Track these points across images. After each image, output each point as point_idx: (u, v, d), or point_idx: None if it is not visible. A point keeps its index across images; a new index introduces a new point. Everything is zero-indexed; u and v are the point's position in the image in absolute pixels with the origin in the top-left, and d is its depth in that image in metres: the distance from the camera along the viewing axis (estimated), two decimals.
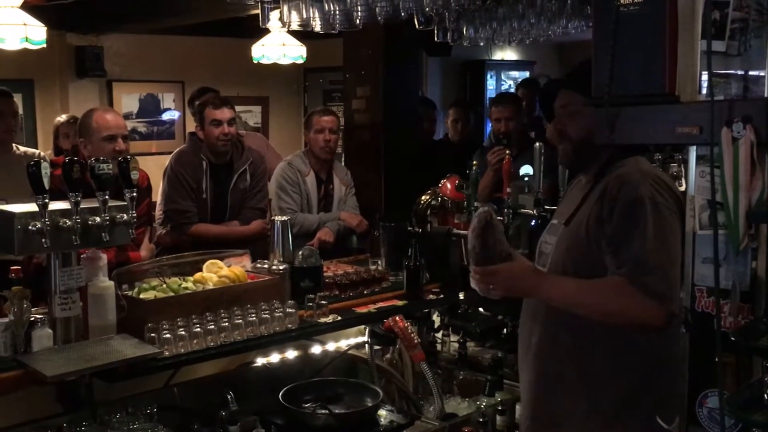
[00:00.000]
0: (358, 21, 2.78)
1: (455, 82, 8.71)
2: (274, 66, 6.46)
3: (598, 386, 2.36)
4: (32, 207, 2.59)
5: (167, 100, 8.48)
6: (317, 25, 2.93)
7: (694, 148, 1.84)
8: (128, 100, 8.16)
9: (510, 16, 3.09)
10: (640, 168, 2.34)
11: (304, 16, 2.88)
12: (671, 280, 2.19)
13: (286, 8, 2.90)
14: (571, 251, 2.38)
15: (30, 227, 2.55)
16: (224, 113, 4.56)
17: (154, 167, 5.03)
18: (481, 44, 3.54)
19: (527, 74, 9.17)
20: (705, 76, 1.66)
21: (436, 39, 3.31)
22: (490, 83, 8.91)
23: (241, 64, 7.22)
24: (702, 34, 1.65)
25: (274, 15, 3.01)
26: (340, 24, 2.84)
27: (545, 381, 2.47)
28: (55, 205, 2.62)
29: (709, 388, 1.87)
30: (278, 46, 6.24)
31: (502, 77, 9.14)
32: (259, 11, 3.45)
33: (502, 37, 3.28)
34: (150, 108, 8.37)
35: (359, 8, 2.63)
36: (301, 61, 6.57)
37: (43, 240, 2.55)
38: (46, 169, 2.51)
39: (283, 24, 3.10)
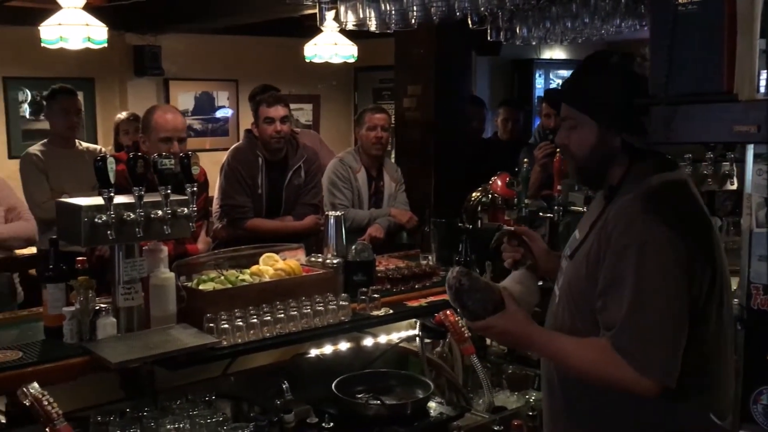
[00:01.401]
0: (413, 21, 2.79)
1: (504, 81, 8.68)
2: (326, 64, 6.52)
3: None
4: (98, 200, 2.65)
5: (221, 98, 8.59)
6: (373, 25, 2.95)
7: (751, 146, 1.81)
8: (184, 98, 8.28)
9: (563, 16, 3.07)
10: (649, 198, 1.97)
11: (361, 16, 2.90)
12: (665, 347, 1.90)
13: (342, 8, 2.93)
14: (572, 287, 2.12)
15: (96, 220, 2.60)
16: (277, 111, 4.60)
17: (208, 163, 5.09)
18: (534, 43, 3.53)
19: None
20: (764, 75, 1.64)
21: (489, 38, 3.30)
22: (539, 82, 8.86)
23: (293, 62, 7.29)
24: (761, 33, 1.63)
25: (330, 15, 3.03)
26: (395, 24, 2.85)
27: None
28: (119, 199, 2.68)
29: (764, 385, 1.84)
30: (330, 46, 6.30)
31: (551, 76, 9.07)
32: (313, 11, 3.49)
33: (555, 37, 3.26)
34: (205, 106, 8.49)
35: (415, 8, 2.64)
36: (352, 60, 6.63)
37: (109, 232, 2.61)
38: (112, 164, 2.57)
39: (340, 24, 3.12)
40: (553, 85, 8.93)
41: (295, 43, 6.75)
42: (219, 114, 8.62)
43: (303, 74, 7.87)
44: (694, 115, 1.67)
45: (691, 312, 1.93)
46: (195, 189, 2.79)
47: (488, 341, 3.66)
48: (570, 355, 2.05)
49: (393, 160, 5.69)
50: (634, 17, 3.23)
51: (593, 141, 2.08)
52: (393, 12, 2.73)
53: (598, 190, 2.25)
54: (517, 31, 3.25)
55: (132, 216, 2.65)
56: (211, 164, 5.18)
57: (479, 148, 6.07)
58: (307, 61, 6.47)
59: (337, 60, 6.51)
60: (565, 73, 9.13)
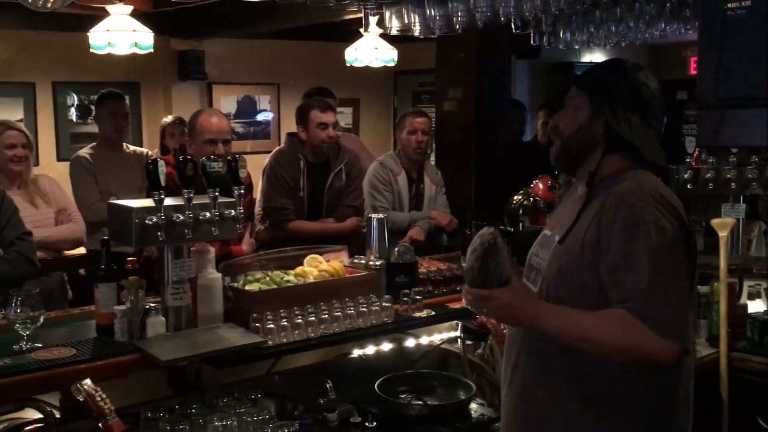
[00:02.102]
0: (458, 26, 2.80)
1: (543, 84, 8.64)
2: (366, 68, 6.55)
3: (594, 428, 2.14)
4: (148, 202, 2.70)
5: (263, 101, 8.67)
6: (417, 30, 2.96)
7: None
8: (227, 102, 8.37)
9: (607, 20, 3.06)
10: (642, 185, 2.09)
11: (405, 21, 2.92)
12: (681, 312, 2.00)
13: (387, 14, 2.95)
14: (564, 272, 2.16)
15: (147, 221, 2.65)
16: (330, 117, 4.66)
17: (250, 166, 5.13)
18: (577, 47, 3.52)
19: None
20: None
21: (532, 42, 3.31)
22: None
23: (333, 66, 7.33)
24: None
25: (374, 20, 3.05)
26: (439, 29, 2.87)
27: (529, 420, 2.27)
28: (168, 201, 2.72)
29: None
30: (371, 50, 6.32)
31: None
32: (354, 16, 3.50)
33: (599, 41, 3.25)
34: (247, 109, 8.57)
35: (460, 14, 2.65)
36: (392, 64, 6.64)
37: (159, 233, 2.65)
38: (162, 168, 2.62)
39: (384, 30, 3.14)
40: None
41: (336, 47, 6.79)
42: (260, 117, 8.70)
43: (343, 78, 7.90)
44: (742, 120, 1.67)
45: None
46: (242, 191, 2.82)
47: None
48: (586, 327, 2.05)
49: (433, 163, 5.70)
50: (679, 21, 3.20)
51: (582, 121, 2.21)
52: (438, 17, 2.75)
53: (572, 174, 2.39)
54: (561, 35, 3.25)
55: (181, 218, 2.70)
56: (252, 167, 5.21)
57: (519, 151, 6.06)
58: (348, 65, 6.51)
59: (377, 64, 6.53)
60: None
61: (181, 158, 2.74)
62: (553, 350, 2.15)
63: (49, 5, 2.39)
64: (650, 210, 2.02)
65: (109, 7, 5.09)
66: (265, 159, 4.94)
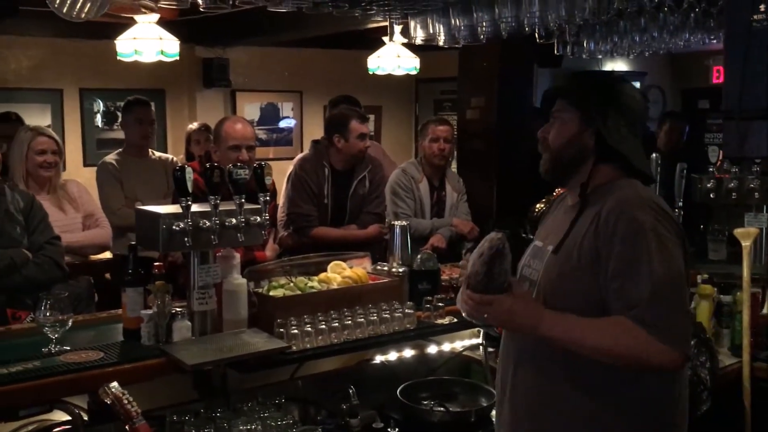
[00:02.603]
0: (482, 36, 2.81)
1: None
2: (388, 76, 6.58)
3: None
4: (175, 208, 2.73)
5: (286, 108, 8.71)
6: (441, 40, 2.97)
7: None
8: (250, 109, 8.42)
9: (631, 30, 3.06)
10: (638, 193, 2.13)
11: (431, 31, 2.94)
12: (683, 320, 2.04)
13: (412, 24, 2.97)
14: (562, 281, 2.14)
15: (174, 227, 2.68)
16: (367, 127, 4.74)
17: (273, 172, 5.19)
18: (600, 57, 3.52)
19: (638, 84, 8.97)
20: None
21: (555, 52, 3.31)
22: None
23: (356, 74, 7.38)
24: None
25: (398, 29, 3.06)
26: (464, 39, 2.88)
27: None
28: (195, 207, 2.75)
29: None
30: (393, 58, 6.36)
31: None
32: (377, 24, 3.50)
33: (622, 50, 3.25)
34: (270, 116, 8.62)
35: (485, 24, 2.66)
36: (414, 72, 6.67)
37: (186, 239, 2.68)
38: (189, 175, 2.65)
39: (409, 39, 3.16)
40: None
41: (358, 55, 6.82)
42: (283, 124, 8.74)
43: (365, 85, 7.93)
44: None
45: None
46: (267, 198, 2.85)
47: None
48: (590, 333, 2.05)
49: (455, 171, 5.71)
50: (704, 31, 3.19)
51: (572, 133, 2.21)
52: (462, 27, 2.76)
53: (564, 186, 2.36)
54: (584, 44, 3.25)
55: (208, 224, 2.72)
56: (275, 173, 5.27)
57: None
58: (370, 73, 6.54)
59: (399, 72, 6.56)
60: None
61: (208, 165, 2.76)
62: (554, 366, 2.14)
63: (83, 16, 2.43)
64: (649, 218, 2.04)
65: (136, 16, 5.15)
66: (288, 165, 4.97)
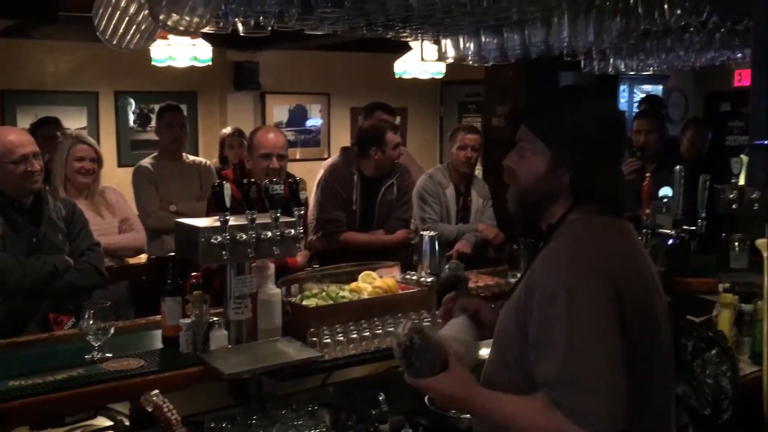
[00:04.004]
0: (513, 59, 2.83)
1: None
2: (413, 79, 6.60)
3: None
4: (214, 222, 2.77)
5: (314, 110, 8.76)
6: (471, 60, 3.00)
7: None
8: (279, 111, 8.49)
9: (657, 49, 3.07)
10: (576, 241, 1.82)
11: (461, 51, 2.96)
12: (602, 397, 1.70)
13: (443, 43, 2.99)
14: (500, 336, 1.96)
15: (212, 240, 2.72)
16: (399, 137, 4.79)
17: (299, 173, 5.21)
18: (629, 73, 3.53)
19: (660, 88, 8.92)
20: None
21: (582, 69, 3.32)
22: (623, 96, 8.72)
23: (382, 77, 7.41)
24: None
25: (430, 47, 3.09)
26: (493, 59, 2.90)
27: None
28: (232, 221, 2.79)
29: None
30: (419, 62, 6.37)
31: (635, 90, 8.92)
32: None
33: (648, 68, 3.26)
34: (298, 118, 8.68)
35: (515, 47, 2.68)
36: (440, 76, 6.68)
37: (223, 252, 2.73)
38: (228, 190, 2.69)
39: (442, 60, 3.19)
40: (637, 99, 8.78)
41: (385, 58, 6.84)
42: (309, 123, 8.77)
43: (391, 88, 7.97)
44: None
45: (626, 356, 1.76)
46: (302, 212, 2.89)
47: None
48: (511, 414, 1.83)
49: (480, 176, 5.72)
50: (728, 48, 3.19)
51: (541, 172, 1.91)
52: (492, 49, 2.78)
53: (530, 226, 2.07)
54: (611, 61, 3.26)
55: (244, 237, 2.77)
56: (302, 173, 5.30)
57: None
58: (397, 77, 6.57)
59: (425, 76, 6.59)
60: (649, 87, 8.97)
61: (245, 182, 2.80)
62: None
63: (132, 47, 2.49)
64: (573, 276, 1.76)
65: None
66: (314, 166, 5.02)
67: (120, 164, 7.65)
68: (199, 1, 2.03)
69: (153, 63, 5.75)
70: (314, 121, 8.78)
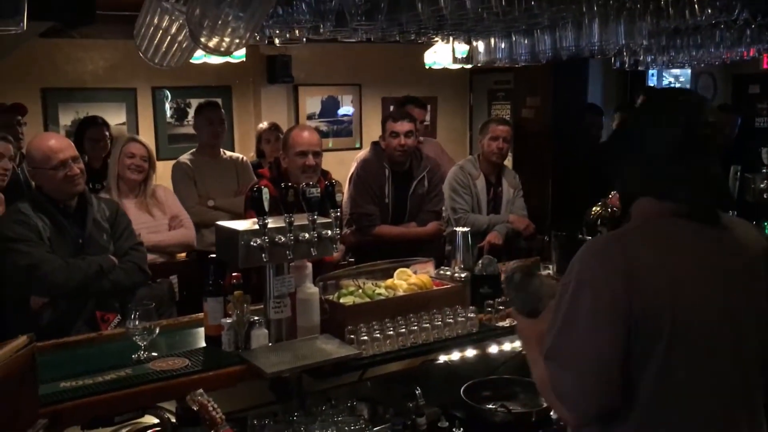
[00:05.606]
0: (543, 61, 2.81)
1: (616, 82, 8.47)
2: (443, 69, 6.57)
3: None
4: (253, 225, 2.80)
5: (345, 101, 8.75)
6: (501, 62, 2.98)
7: None
8: (312, 102, 8.48)
9: (687, 45, 3.02)
10: (616, 232, 1.92)
11: (492, 53, 2.94)
12: (578, 379, 1.79)
13: (475, 45, 2.97)
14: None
15: (252, 243, 2.75)
16: (403, 126, 4.72)
17: (332, 162, 5.26)
18: (657, 68, 3.48)
19: (688, 72, 8.79)
20: None
21: (613, 67, 3.29)
22: (652, 82, 8.60)
23: (412, 67, 7.38)
24: None
25: (461, 47, 3.07)
26: (524, 61, 2.88)
27: None
28: (271, 224, 2.81)
29: None
30: (448, 53, 6.33)
31: (664, 74, 8.79)
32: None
33: (678, 64, 3.22)
34: (330, 109, 8.68)
35: (548, 50, 2.66)
36: (469, 66, 6.64)
37: (263, 255, 2.75)
38: (266, 195, 2.71)
39: (473, 64, 3.17)
40: (665, 83, 8.66)
41: (415, 49, 6.80)
42: (341, 112, 8.77)
43: (421, 78, 7.93)
44: None
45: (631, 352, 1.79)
46: (338, 213, 2.91)
47: None
48: (539, 376, 1.96)
49: (510, 167, 5.70)
50: (759, 42, 3.13)
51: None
52: (523, 52, 2.76)
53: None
54: (641, 58, 3.22)
55: (283, 239, 2.79)
56: (334, 163, 5.34)
57: (598, 155, 5.99)
58: (426, 67, 6.54)
59: (454, 66, 6.54)
60: (678, 72, 8.84)
61: (282, 186, 2.82)
62: None
63: (173, 64, 2.51)
64: (586, 269, 1.83)
65: None
66: (346, 155, 5.03)
67: (158, 158, 7.61)
68: (239, 22, 2.04)
69: (189, 60, 5.78)
70: (346, 110, 8.77)
